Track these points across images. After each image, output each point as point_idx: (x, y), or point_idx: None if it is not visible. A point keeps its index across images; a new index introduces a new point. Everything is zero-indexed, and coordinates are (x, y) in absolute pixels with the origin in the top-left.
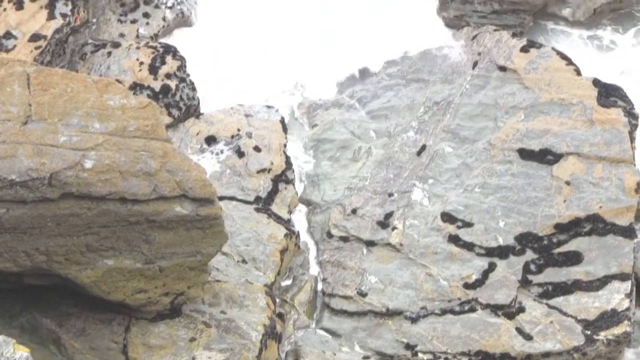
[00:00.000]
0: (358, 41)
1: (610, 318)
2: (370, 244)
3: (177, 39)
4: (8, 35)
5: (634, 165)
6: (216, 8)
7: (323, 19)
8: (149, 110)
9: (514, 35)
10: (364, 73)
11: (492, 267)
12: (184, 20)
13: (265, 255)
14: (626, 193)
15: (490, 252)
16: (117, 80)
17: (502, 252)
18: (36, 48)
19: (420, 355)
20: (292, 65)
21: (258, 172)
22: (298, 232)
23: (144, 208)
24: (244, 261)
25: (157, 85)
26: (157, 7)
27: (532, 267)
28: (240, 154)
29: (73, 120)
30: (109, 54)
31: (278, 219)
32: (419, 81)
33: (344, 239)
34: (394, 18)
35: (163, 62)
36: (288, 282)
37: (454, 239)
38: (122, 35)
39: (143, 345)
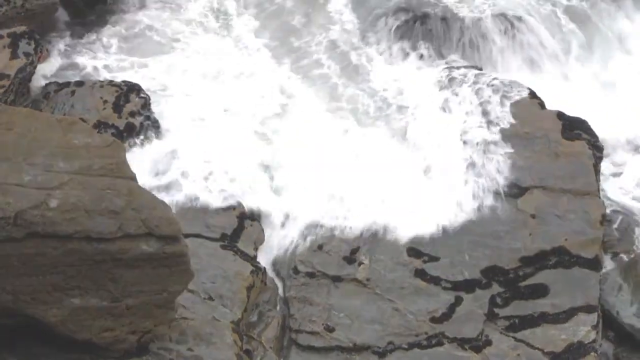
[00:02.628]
0: None
1: (577, 350)
2: (336, 279)
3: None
4: None
5: (599, 197)
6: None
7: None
8: (114, 149)
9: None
10: None
11: (458, 301)
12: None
13: (231, 292)
14: (592, 225)
15: (456, 286)
16: (81, 119)
17: (469, 285)
18: (0, 87)
19: None
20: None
21: (224, 209)
22: (264, 269)
23: (110, 246)
24: (210, 298)
25: (121, 124)
26: None
27: (499, 300)
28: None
29: (37, 159)
30: (73, 92)
31: (244, 255)
32: None
33: (310, 275)
34: None
35: (127, 101)
36: (255, 318)
37: (420, 274)
38: None
39: None
